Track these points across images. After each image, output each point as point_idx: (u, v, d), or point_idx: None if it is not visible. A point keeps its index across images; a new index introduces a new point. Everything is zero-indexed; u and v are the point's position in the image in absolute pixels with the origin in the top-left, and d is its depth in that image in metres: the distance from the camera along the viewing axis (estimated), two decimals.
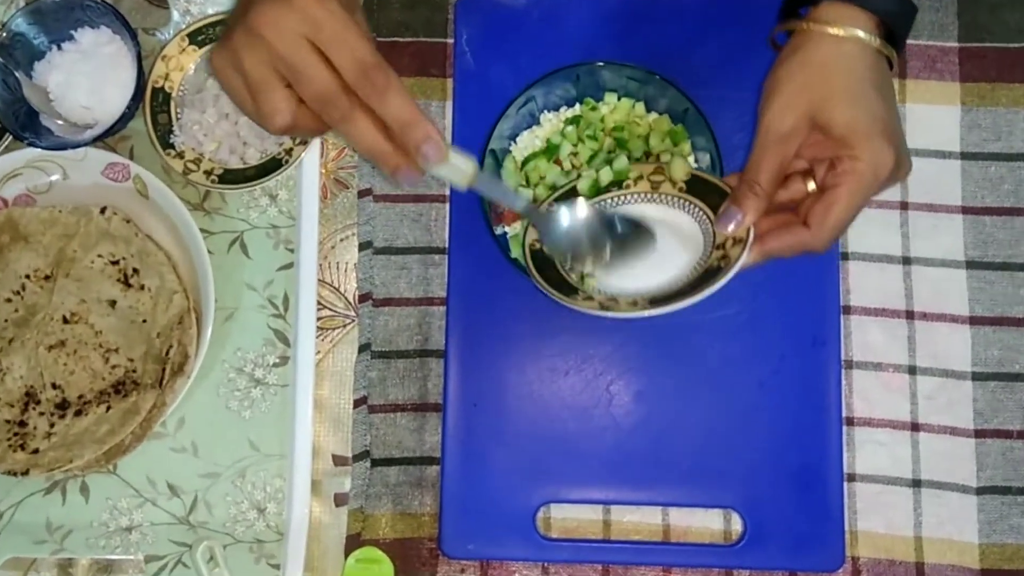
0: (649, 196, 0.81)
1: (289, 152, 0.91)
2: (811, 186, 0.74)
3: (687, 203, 0.79)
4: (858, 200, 0.70)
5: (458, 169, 0.67)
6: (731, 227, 0.74)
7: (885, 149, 0.69)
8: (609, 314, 0.74)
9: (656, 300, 0.74)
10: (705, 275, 0.74)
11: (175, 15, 0.96)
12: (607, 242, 0.79)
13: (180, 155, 0.91)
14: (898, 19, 0.73)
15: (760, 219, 0.73)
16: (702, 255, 0.76)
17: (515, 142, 0.91)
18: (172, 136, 0.92)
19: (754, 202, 0.72)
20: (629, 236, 0.79)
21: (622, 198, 0.82)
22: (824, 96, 0.70)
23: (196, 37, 0.93)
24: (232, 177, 0.91)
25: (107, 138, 0.92)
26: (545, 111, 0.91)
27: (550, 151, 0.89)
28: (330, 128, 0.66)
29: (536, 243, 0.80)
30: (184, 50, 0.93)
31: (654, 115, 0.90)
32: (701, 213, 0.78)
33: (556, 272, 0.79)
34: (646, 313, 0.72)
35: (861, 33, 0.71)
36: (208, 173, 0.91)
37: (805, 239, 0.71)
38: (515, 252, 0.88)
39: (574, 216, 0.79)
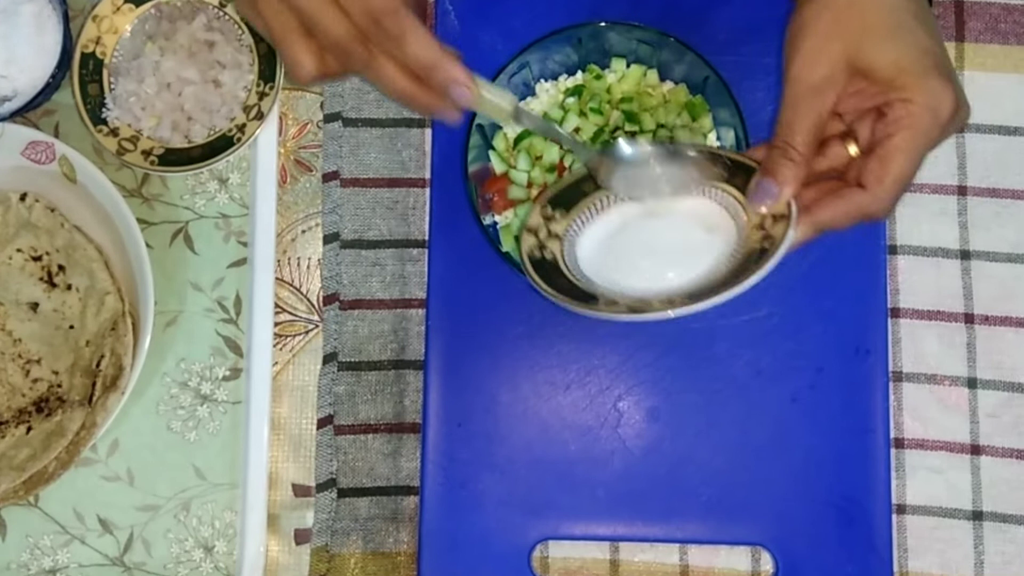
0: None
1: (242, 129, 0.89)
2: (852, 150, 0.71)
3: (710, 188, 0.76)
4: (919, 150, 0.68)
5: (495, 106, 0.70)
6: (767, 202, 0.71)
7: (943, 86, 0.66)
8: (641, 317, 0.71)
9: (695, 295, 0.71)
10: (746, 262, 0.71)
11: None
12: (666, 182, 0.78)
13: (114, 132, 0.89)
14: None
15: (801, 190, 0.70)
16: (736, 243, 0.73)
17: None
18: (105, 110, 0.90)
19: (791, 169, 0.69)
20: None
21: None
22: (861, 33, 0.68)
23: None
24: (175, 158, 0.89)
25: (28, 112, 0.90)
26: (542, 80, 0.89)
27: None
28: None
29: (536, 250, 0.78)
30: (119, 9, 0.91)
31: (669, 84, 0.89)
32: (729, 198, 0.75)
33: (563, 278, 0.77)
34: (686, 310, 0.69)
35: None
36: (147, 153, 0.89)
37: (863, 202, 0.68)
38: (507, 245, 0.86)
39: (638, 152, 0.77)
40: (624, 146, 0.76)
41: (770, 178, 0.70)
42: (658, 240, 0.77)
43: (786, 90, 0.69)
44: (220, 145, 0.89)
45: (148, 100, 0.90)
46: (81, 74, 0.90)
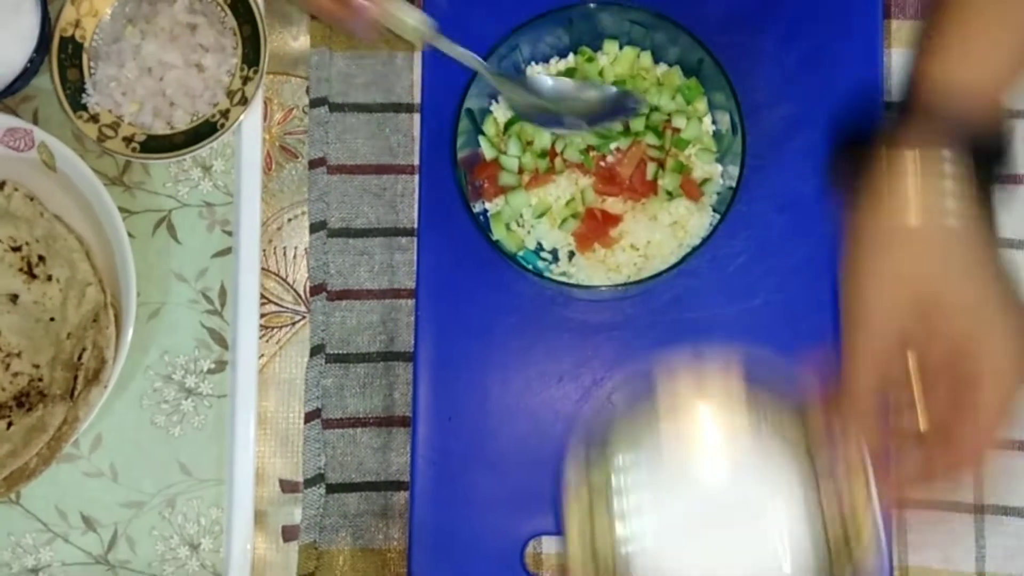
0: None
1: (225, 114, 0.88)
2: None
3: None
4: (1005, 402, 0.64)
5: (405, 24, 0.72)
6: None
7: (1012, 348, 0.63)
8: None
9: None
10: None
11: None
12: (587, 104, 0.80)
13: (94, 118, 0.88)
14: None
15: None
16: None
17: (496, 100, 0.88)
18: (84, 96, 0.89)
19: (859, 423, 0.67)
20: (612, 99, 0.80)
21: None
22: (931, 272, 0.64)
23: None
24: (157, 145, 0.88)
25: (6, 98, 0.89)
26: (532, 63, 0.88)
27: None
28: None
29: None
30: None
31: (663, 67, 0.88)
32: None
33: None
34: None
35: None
36: (128, 140, 0.88)
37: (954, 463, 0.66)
38: (497, 233, 0.86)
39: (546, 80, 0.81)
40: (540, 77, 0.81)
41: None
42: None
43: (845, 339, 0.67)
44: (204, 131, 0.88)
45: (129, 85, 0.88)
46: (60, 59, 0.88)
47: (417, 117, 0.91)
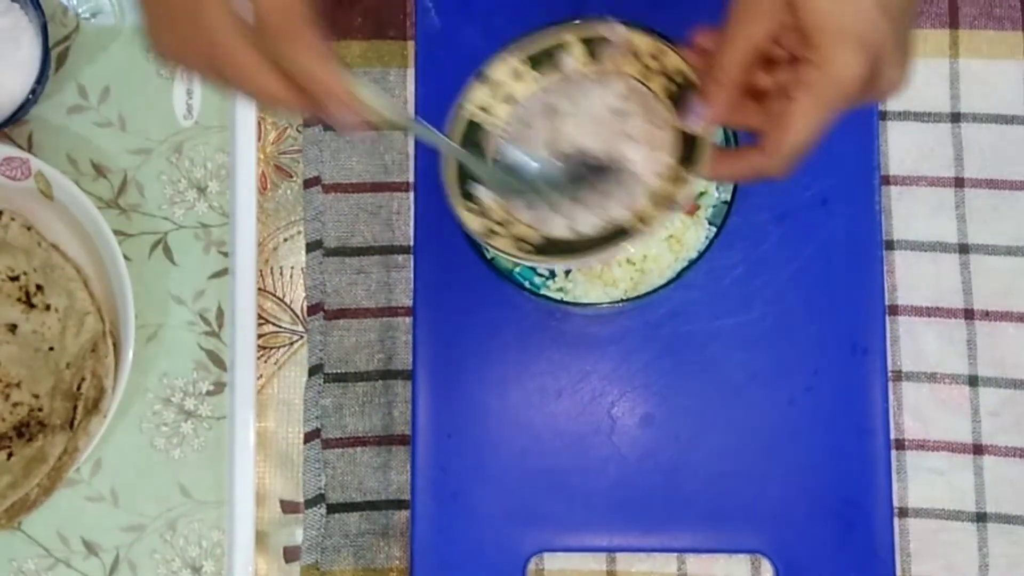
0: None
1: (644, 220, 0.71)
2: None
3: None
4: (816, 119, 0.65)
5: (379, 116, 0.66)
6: (692, 122, 0.70)
7: (852, 57, 0.63)
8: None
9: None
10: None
11: None
12: (565, 182, 0.74)
13: (484, 212, 0.75)
14: None
15: (727, 114, 0.69)
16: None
17: None
18: (473, 184, 0.76)
19: (717, 91, 0.68)
20: (593, 173, 0.75)
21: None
22: None
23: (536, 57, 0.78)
24: (555, 249, 0.73)
25: (4, 128, 0.89)
26: None
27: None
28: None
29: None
30: (520, 76, 0.78)
31: None
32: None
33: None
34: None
35: None
36: (519, 240, 0.74)
37: (758, 164, 0.68)
38: (493, 251, 0.84)
39: (521, 159, 0.75)
40: (521, 158, 0.74)
41: (700, 97, 0.69)
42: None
43: (731, 5, 0.67)
44: (613, 237, 0.72)
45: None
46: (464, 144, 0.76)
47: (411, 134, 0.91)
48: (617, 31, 0.76)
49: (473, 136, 0.76)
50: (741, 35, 0.67)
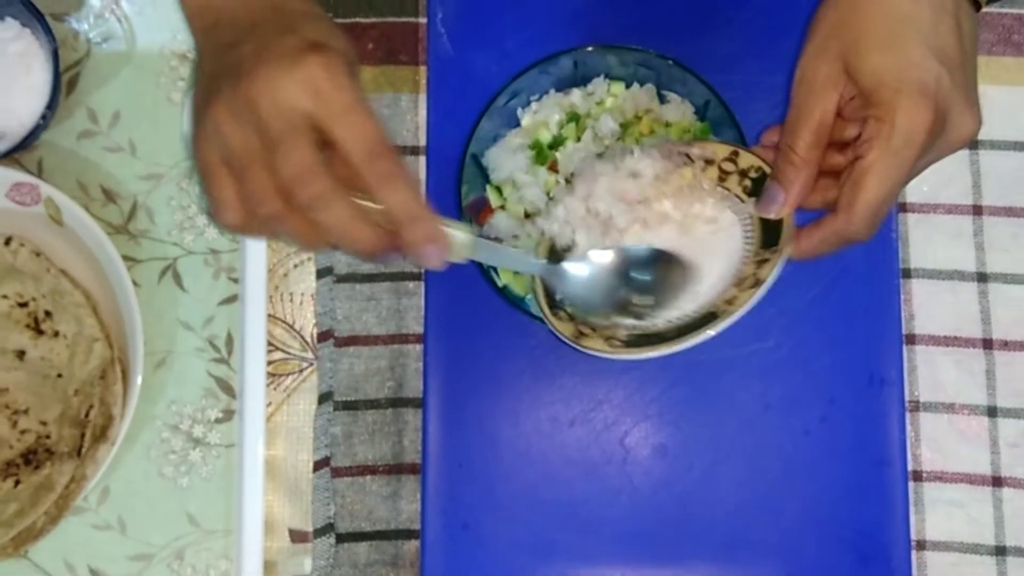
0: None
1: (731, 302, 0.72)
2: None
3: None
4: (892, 173, 0.66)
5: (456, 244, 0.66)
6: (773, 208, 0.71)
7: (917, 105, 0.64)
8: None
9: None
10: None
11: None
12: (640, 285, 0.77)
13: (571, 316, 0.76)
14: None
15: (807, 195, 0.70)
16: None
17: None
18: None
19: (792, 173, 0.69)
20: (663, 270, 0.76)
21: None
22: (856, 36, 0.67)
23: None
24: (645, 340, 0.74)
25: (14, 154, 0.89)
26: (531, 103, 0.89)
27: (541, 154, 0.86)
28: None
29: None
30: None
31: (671, 106, 0.88)
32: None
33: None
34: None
35: None
36: (609, 338, 0.75)
37: (838, 228, 0.68)
38: (505, 277, 0.86)
39: (598, 265, 0.77)
40: (572, 264, 0.76)
41: (775, 182, 0.70)
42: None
43: (792, 89, 0.69)
44: (700, 322, 0.72)
45: None
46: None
47: (423, 159, 0.92)
48: (695, 149, 0.77)
49: (556, 255, 0.78)
50: (806, 114, 0.68)
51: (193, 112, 0.65)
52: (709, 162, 0.77)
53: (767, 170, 0.73)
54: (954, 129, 0.66)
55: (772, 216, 0.71)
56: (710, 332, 0.69)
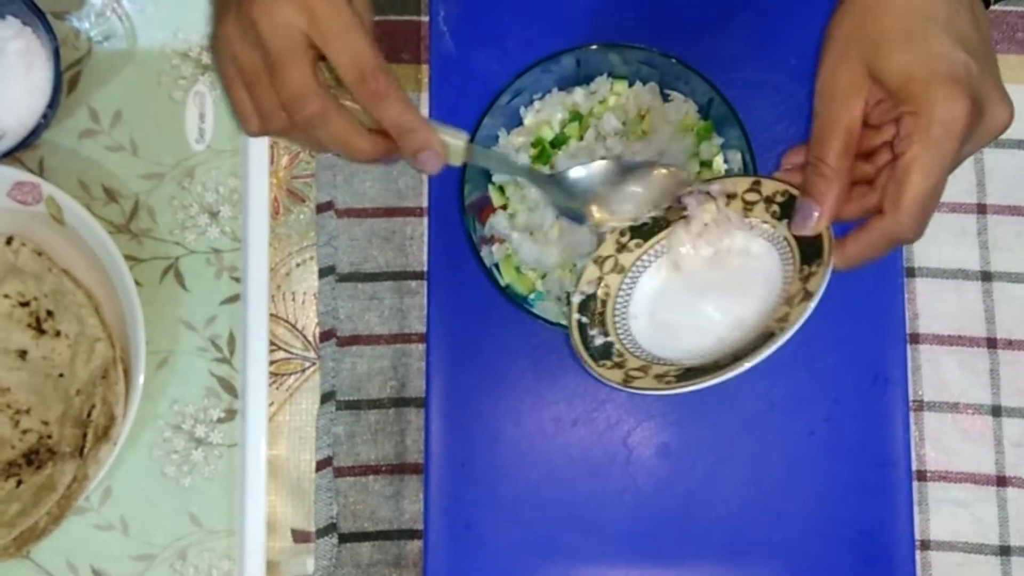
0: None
1: (784, 319, 0.71)
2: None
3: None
4: (934, 165, 0.65)
5: (451, 150, 0.72)
6: (809, 224, 0.69)
7: (951, 94, 0.63)
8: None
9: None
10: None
11: None
12: (630, 194, 0.79)
13: (619, 364, 0.76)
14: None
15: (841, 208, 0.69)
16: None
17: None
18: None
19: (824, 185, 0.68)
20: (657, 178, 0.79)
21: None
22: (876, 38, 0.66)
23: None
24: (695, 373, 0.73)
25: (16, 153, 0.89)
26: (534, 102, 0.89)
27: (544, 152, 0.86)
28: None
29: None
30: (623, 247, 0.80)
31: (674, 105, 0.88)
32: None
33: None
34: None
35: None
36: (661, 377, 0.74)
37: (886, 229, 0.67)
38: (507, 278, 0.86)
39: (589, 174, 0.79)
40: (574, 170, 0.78)
41: (807, 198, 0.69)
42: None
43: (815, 101, 0.69)
44: (754, 344, 0.71)
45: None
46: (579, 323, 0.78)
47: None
48: (714, 186, 0.77)
49: (588, 309, 0.78)
50: (832, 123, 0.67)
51: (212, 27, 0.72)
52: (731, 196, 0.77)
53: (793, 192, 0.72)
54: (990, 117, 0.65)
55: (809, 232, 0.69)
56: (768, 351, 0.68)
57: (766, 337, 0.69)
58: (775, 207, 0.74)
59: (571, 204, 0.79)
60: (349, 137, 0.69)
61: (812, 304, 0.68)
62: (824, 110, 0.68)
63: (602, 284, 0.78)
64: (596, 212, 0.79)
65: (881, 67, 0.65)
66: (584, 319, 0.77)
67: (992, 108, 0.65)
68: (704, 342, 0.73)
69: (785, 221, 0.72)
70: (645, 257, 0.78)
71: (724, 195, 0.77)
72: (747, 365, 0.67)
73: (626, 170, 0.78)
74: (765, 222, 0.74)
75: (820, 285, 0.68)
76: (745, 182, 0.76)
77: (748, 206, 0.75)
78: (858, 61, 0.67)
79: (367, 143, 0.69)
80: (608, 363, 0.74)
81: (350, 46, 0.66)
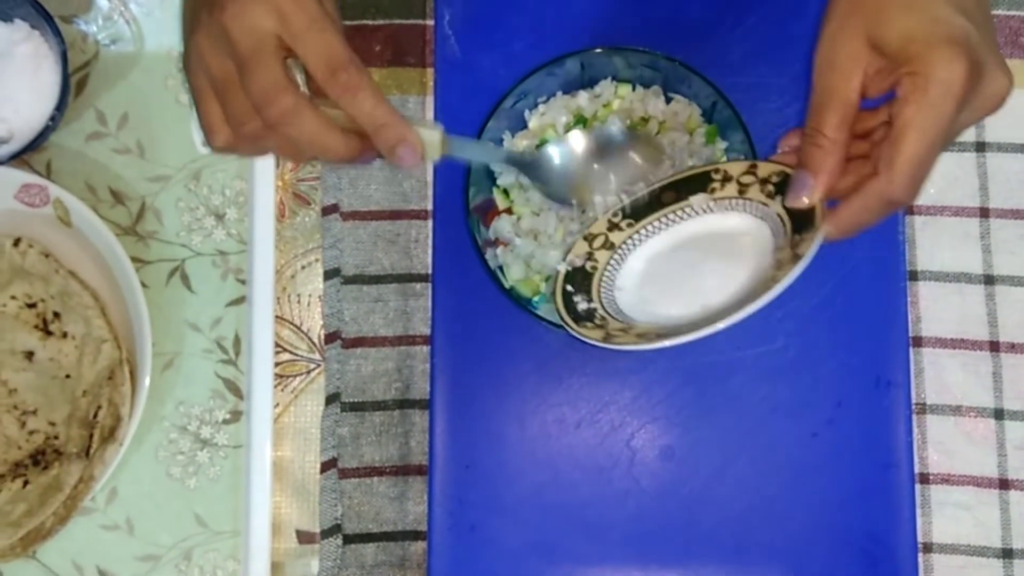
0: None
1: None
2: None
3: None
4: (931, 125, 0.64)
5: (428, 144, 0.71)
6: (804, 196, 0.69)
7: (952, 55, 0.62)
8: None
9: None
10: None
11: None
12: (611, 168, 0.81)
13: (600, 326, 0.77)
14: None
15: (837, 180, 0.68)
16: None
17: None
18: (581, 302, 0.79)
19: (820, 156, 0.67)
20: (632, 149, 0.83)
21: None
22: (876, 7, 0.66)
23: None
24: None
25: (23, 155, 0.89)
26: (538, 105, 0.89)
27: None
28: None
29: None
30: (615, 226, 0.82)
31: (677, 108, 0.88)
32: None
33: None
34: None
35: None
36: (642, 335, 0.75)
37: (879, 189, 0.65)
38: (511, 280, 0.86)
39: (568, 151, 0.82)
40: (551, 148, 0.81)
41: (803, 169, 0.68)
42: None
43: (813, 75, 0.68)
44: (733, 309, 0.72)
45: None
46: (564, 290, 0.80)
47: (430, 162, 0.91)
48: (721, 167, 0.78)
49: (574, 280, 0.79)
50: (830, 93, 0.67)
51: (183, 42, 0.70)
52: (727, 179, 0.77)
53: (789, 172, 0.72)
54: (989, 82, 0.64)
55: (804, 203, 0.68)
56: (751, 308, 0.67)
57: (753, 299, 0.69)
58: (770, 187, 0.74)
59: (554, 186, 0.81)
60: (322, 134, 0.66)
61: (801, 265, 0.67)
62: (822, 82, 0.67)
63: (591, 259, 0.79)
64: (579, 190, 0.81)
65: (882, 32, 0.65)
66: (570, 288, 0.78)
67: (991, 73, 0.64)
68: (690, 311, 0.73)
69: (779, 198, 0.73)
70: (636, 236, 0.79)
71: (720, 179, 0.78)
72: (733, 318, 0.67)
73: (603, 146, 0.81)
74: (759, 201, 0.75)
75: (810, 248, 0.68)
76: (742, 166, 0.77)
77: (743, 188, 0.76)
78: (858, 32, 0.66)
79: (340, 142, 0.67)
80: (589, 324, 0.75)
81: (320, 41, 0.65)
